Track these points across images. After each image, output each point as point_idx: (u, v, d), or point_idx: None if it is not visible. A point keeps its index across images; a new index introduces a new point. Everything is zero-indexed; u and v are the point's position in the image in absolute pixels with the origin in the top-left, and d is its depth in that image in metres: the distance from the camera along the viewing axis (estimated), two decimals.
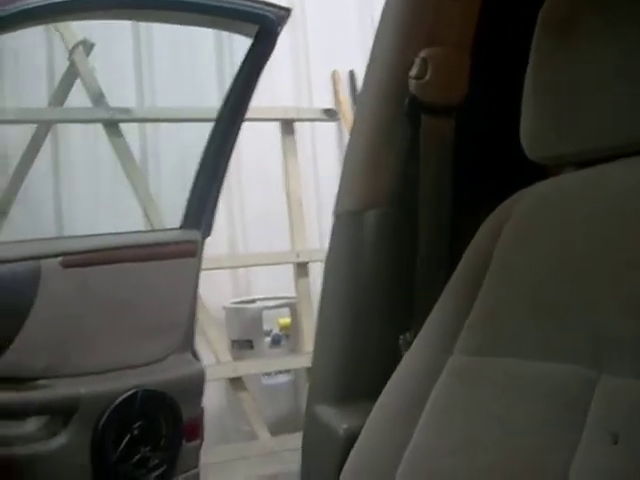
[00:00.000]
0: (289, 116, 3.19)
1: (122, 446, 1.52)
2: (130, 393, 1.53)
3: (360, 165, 1.03)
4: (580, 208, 0.76)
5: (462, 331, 0.80)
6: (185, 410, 1.60)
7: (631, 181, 0.73)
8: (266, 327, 3.15)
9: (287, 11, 1.66)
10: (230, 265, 3.29)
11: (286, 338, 3.15)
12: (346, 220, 1.03)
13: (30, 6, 1.39)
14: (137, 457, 1.54)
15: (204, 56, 3.27)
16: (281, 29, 1.66)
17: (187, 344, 1.67)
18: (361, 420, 0.88)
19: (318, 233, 3.27)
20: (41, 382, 1.46)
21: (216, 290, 3.12)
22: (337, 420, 0.95)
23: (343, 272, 1.02)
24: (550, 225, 0.78)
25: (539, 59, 0.81)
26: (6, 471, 1.40)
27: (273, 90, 2.98)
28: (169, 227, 2.11)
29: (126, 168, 2.91)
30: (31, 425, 1.46)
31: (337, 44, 3.52)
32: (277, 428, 2.95)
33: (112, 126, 2.90)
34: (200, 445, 1.67)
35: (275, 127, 3.19)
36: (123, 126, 2.94)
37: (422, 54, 0.96)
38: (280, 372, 3.11)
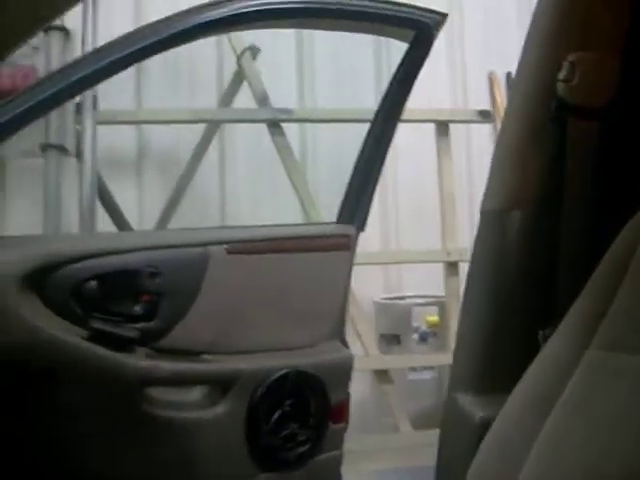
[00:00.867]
0: (444, 118, 3.22)
1: (273, 420, 1.59)
2: (284, 372, 1.60)
3: (507, 166, 1.07)
4: None
5: (600, 327, 0.82)
6: (333, 393, 1.66)
7: None
8: (414, 323, 3.19)
9: (443, 16, 1.67)
10: (382, 261, 3.36)
11: (433, 335, 3.18)
12: (491, 218, 1.06)
13: (207, 19, 1.52)
14: (286, 432, 1.61)
15: (363, 59, 3.35)
16: (437, 34, 1.67)
17: (337, 332, 1.73)
18: (497, 410, 0.91)
19: (469, 233, 3.27)
20: (206, 356, 1.57)
21: (367, 285, 3.19)
22: (474, 408, 0.99)
23: (487, 268, 1.05)
24: None
25: None
26: (175, 431, 1.52)
27: (429, 92, 3.01)
28: (325, 222, 2.19)
29: (287, 165, 3.04)
30: (196, 393, 1.58)
31: (494, 45, 3.51)
32: (419, 422, 2.98)
33: (275, 126, 3.04)
34: (345, 429, 1.72)
35: (430, 128, 3.23)
36: (285, 126, 3.07)
37: (570, 58, 0.98)
38: (425, 368, 3.14)
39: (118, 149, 3.21)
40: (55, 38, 2.69)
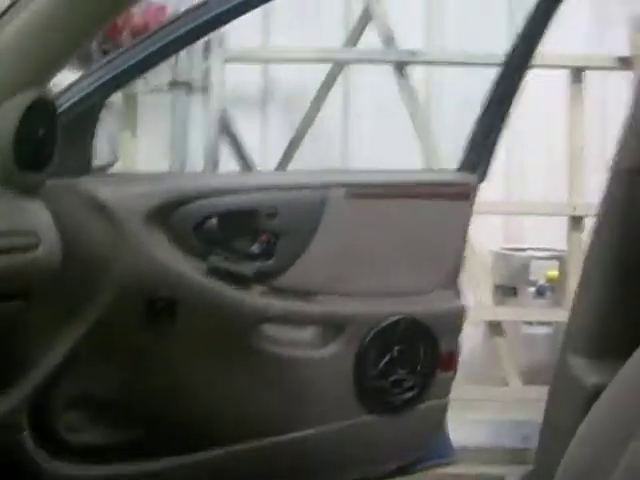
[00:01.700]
0: (578, 64, 3.06)
1: (382, 364, 1.62)
2: (395, 318, 1.62)
3: None
4: None
5: None
6: (443, 342, 1.66)
7: None
8: (532, 277, 3.13)
9: None
10: (504, 211, 3.29)
11: (551, 290, 3.11)
12: (622, 177, 1.01)
13: None
14: (394, 377, 1.63)
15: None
16: None
17: (452, 282, 1.72)
18: (610, 376, 0.88)
19: (597, 189, 3.14)
20: (320, 298, 1.59)
21: (487, 234, 3.13)
22: (586, 373, 0.96)
23: (613, 229, 1.01)
24: None
25: None
26: (287, 368, 1.57)
27: (563, 35, 2.88)
28: (446, 169, 2.16)
29: (411, 109, 3.00)
30: (309, 333, 1.61)
31: None
32: (530, 377, 2.94)
33: (400, 67, 3.00)
34: (453, 377, 1.73)
35: (564, 74, 3.09)
36: (411, 68, 3.02)
37: None
38: (541, 323, 3.08)
39: (244, 87, 3.25)
40: None
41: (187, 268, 1.46)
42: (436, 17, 3.32)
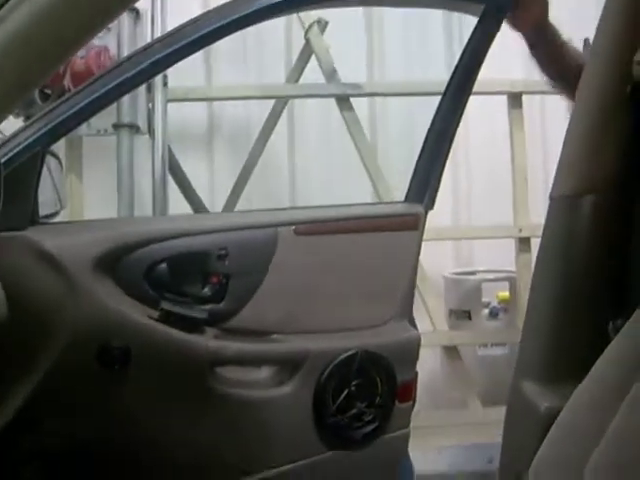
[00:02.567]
0: (517, 89, 3.13)
1: (340, 400, 1.61)
2: (351, 352, 1.62)
3: (579, 149, 1.04)
4: None
5: None
6: (400, 373, 1.67)
7: None
8: (485, 299, 3.16)
9: None
10: (453, 236, 3.32)
11: (504, 311, 3.15)
12: (562, 204, 1.04)
13: (275, 0, 1.51)
14: (353, 411, 1.63)
15: (433, 31, 3.29)
16: (507, 8, 1.64)
17: (405, 312, 1.73)
18: (563, 400, 0.89)
19: (542, 208, 3.20)
20: (274, 336, 1.59)
21: (438, 260, 3.17)
22: (540, 397, 0.98)
23: (556, 254, 1.03)
24: None
25: None
26: (244, 409, 1.55)
27: (501, 61, 2.95)
28: (395, 199, 2.17)
29: (356, 141, 3.02)
30: (264, 373, 1.61)
31: (571, 14, 3.39)
32: (488, 399, 2.96)
33: (344, 101, 3.02)
34: (412, 407, 1.74)
35: (503, 100, 3.16)
36: (354, 100, 3.05)
37: None
38: (496, 344, 3.11)
39: (190, 126, 3.25)
40: (126, 18, 2.72)
41: (139, 314, 1.45)
42: (377, 49, 3.36)
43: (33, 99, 2.53)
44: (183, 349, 1.48)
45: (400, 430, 1.71)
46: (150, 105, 2.78)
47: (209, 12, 1.57)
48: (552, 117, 3.41)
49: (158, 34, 2.68)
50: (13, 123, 1.61)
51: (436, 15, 3.23)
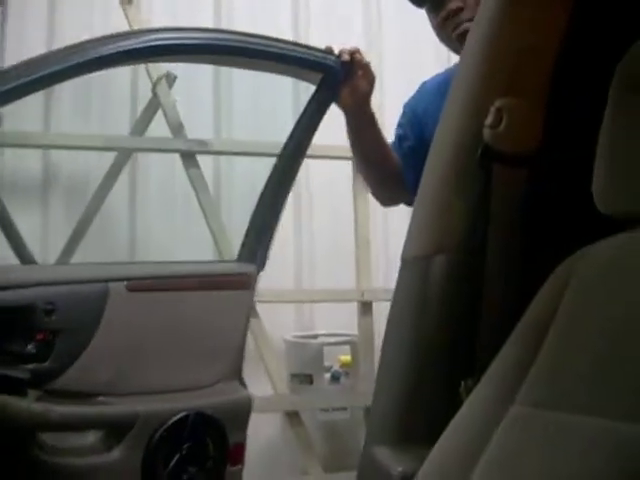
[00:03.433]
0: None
1: (171, 465, 1.58)
2: (182, 415, 1.59)
3: (430, 211, 1.04)
4: None
5: (524, 382, 0.80)
6: (231, 435, 1.65)
7: None
8: (326, 363, 3.16)
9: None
10: (295, 299, 3.32)
11: (346, 375, 3.15)
12: (413, 265, 1.03)
13: (122, 49, 1.48)
14: (185, 477, 1.59)
15: (282, 90, 3.33)
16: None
17: (236, 372, 1.73)
18: (417, 465, 0.87)
19: (384, 273, 3.27)
20: (101, 399, 1.54)
21: (279, 323, 3.14)
22: (393, 462, 0.95)
23: (407, 315, 1.02)
24: (616, 283, 0.78)
25: (615, 113, 0.81)
26: (69, 479, 1.46)
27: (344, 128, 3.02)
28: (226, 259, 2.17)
29: (200, 198, 2.98)
30: (90, 438, 1.55)
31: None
32: (330, 465, 2.93)
33: (189, 157, 2.98)
34: (241, 470, 1.71)
35: (347, 165, 3.22)
36: (200, 157, 3.01)
37: (497, 104, 0.97)
38: (337, 409, 3.10)
39: (23, 174, 3.07)
40: None
41: None
42: (225, 107, 3.36)
43: None
44: (4, 413, 1.38)
45: None
46: None
47: (49, 54, 1.52)
48: None
49: None
50: None
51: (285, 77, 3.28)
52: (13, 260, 2.80)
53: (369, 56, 1.80)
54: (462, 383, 0.93)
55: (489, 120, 0.97)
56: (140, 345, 1.59)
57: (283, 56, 1.66)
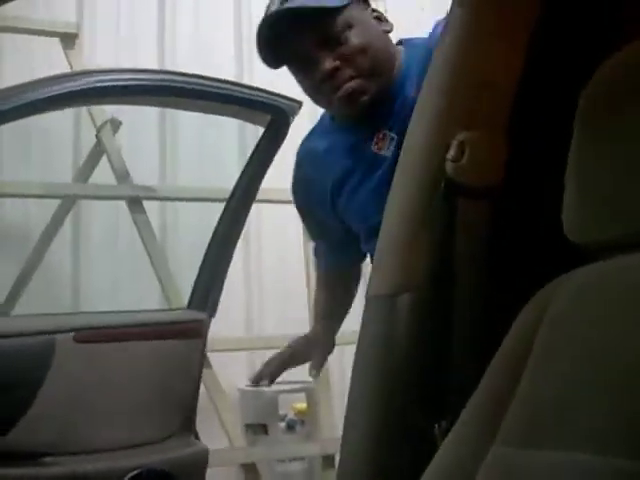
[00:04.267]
0: None
1: None
2: (135, 473, 1.53)
3: (394, 248, 1.01)
4: (621, 296, 0.73)
5: (503, 421, 0.76)
6: None
7: None
8: (281, 412, 3.08)
9: (299, 103, 1.70)
10: (246, 347, 3.25)
11: (301, 424, 3.08)
12: (378, 303, 1.00)
13: (62, 91, 1.44)
14: None
15: (228, 136, 3.32)
16: (292, 120, 1.72)
17: (189, 424, 1.68)
18: None
19: None
20: (48, 459, 1.46)
21: (232, 372, 3.07)
22: None
23: (374, 357, 0.98)
24: (591, 313, 0.75)
25: (582, 140, 0.79)
26: None
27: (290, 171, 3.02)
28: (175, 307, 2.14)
29: (147, 245, 2.91)
30: None
31: None
32: None
33: (135, 203, 2.92)
34: None
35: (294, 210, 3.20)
36: (145, 203, 2.96)
37: (459, 137, 0.95)
38: (294, 459, 3.02)
39: None
40: None
41: None
42: (170, 152, 3.32)
43: None
44: None
45: None
46: None
47: None
48: None
49: None
50: None
51: (232, 121, 3.26)
52: None
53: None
54: (436, 425, 0.89)
55: (451, 153, 0.95)
56: (88, 400, 1.53)
57: (229, 97, 1.66)
